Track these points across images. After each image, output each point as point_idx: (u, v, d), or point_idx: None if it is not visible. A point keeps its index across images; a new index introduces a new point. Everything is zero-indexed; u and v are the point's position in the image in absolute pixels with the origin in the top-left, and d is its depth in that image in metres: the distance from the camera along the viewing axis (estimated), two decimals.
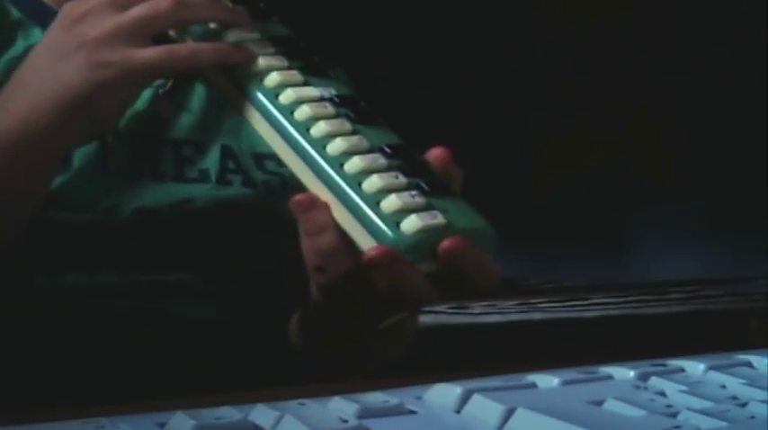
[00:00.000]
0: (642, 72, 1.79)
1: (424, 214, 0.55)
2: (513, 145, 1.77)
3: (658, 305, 1.63)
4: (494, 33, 1.75)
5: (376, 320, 0.66)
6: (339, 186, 0.58)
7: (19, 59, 0.75)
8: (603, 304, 1.61)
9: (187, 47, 0.64)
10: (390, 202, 0.56)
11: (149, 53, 0.63)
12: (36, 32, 0.78)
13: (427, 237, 0.55)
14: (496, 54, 1.75)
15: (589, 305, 1.61)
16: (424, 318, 1.59)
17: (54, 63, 0.63)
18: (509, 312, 1.55)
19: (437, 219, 0.55)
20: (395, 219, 0.56)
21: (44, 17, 0.78)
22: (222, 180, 0.80)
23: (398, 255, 0.54)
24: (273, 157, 0.81)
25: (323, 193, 0.59)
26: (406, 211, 0.56)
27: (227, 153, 0.81)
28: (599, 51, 1.78)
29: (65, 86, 0.62)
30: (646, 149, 1.81)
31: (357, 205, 0.57)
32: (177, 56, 0.63)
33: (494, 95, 1.75)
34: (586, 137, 1.78)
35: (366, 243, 0.56)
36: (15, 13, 0.79)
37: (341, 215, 0.58)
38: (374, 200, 0.56)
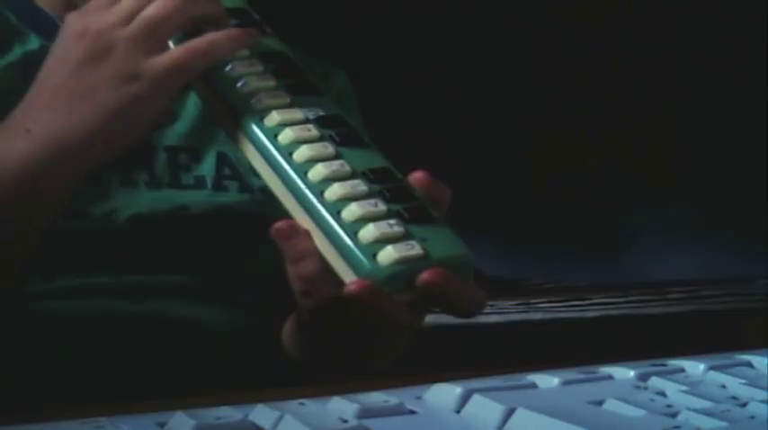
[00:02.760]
0: (642, 72, 1.79)
1: (400, 245, 0.55)
2: (513, 145, 1.76)
3: (658, 305, 1.63)
4: (494, 31, 1.75)
5: (362, 341, 0.66)
6: (319, 214, 0.57)
7: (14, 66, 0.74)
8: (603, 304, 1.61)
9: (204, 40, 0.63)
10: (368, 232, 0.55)
11: (169, 57, 0.62)
12: (32, 39, 0.77)
13: (404, 269, 0.54)
14: (497, 52, 1.75)
15: (589, 305, 1.60)
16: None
17: (78, 82, 0.61)
18: (509, 312, 1.55)
19: (414, 249, 0.55)
20: (372, 250, 0.55)
21: (41, 24, 0.78)
22: (218, 186, 0.79)
23: (376, 289, 0.54)
24: None
25: (304, 220, 0.58)
26: (383, 242, 0.55)
27: (222, 160, 0.81)
28: (599, 50, 1.78)
29: (97, 105, 0.61)
30: (646, 149, 1.81)
31: (336, 234, 0.56)
32: (198, 51, 0.62)
33: (494, 95, 1.75)
34: (586, 136, 1.78)
35: (344, 272, 0.56)
36: (12, 19, 0.78)
37: (321, 243, 0.57)
38: (352, 229, 0.56)
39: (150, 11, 0.62)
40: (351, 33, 1.57)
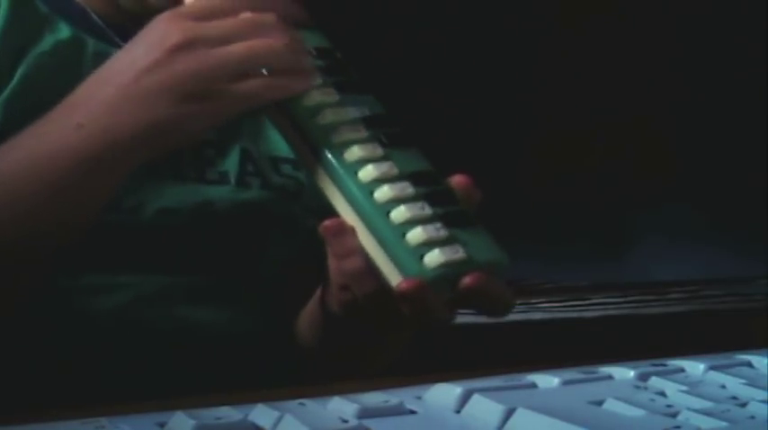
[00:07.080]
0: (643, 71, 1.79)
1: (446, 248, 0.57)
2: (513, 144, 1.76)
3: (658, 305, 1.63)
4: (495, 31, 1.75)
5: (389, 332, 0.70)
6: (368, 214, 0.59)
7: (47, 55, 0.74)
8: (603, 304, 1.61)
9: (281, 78, 0.62)
10: (416, 235, 0.57)
11: (248, 86, 0.61)
12: (62, 27, 0.77)
13: (448, 272, 0.57)
14: (497, 52, 1.75)
15: (589, 305, 1.61)
16: None
17: (145, 87, 0.61)
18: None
19: (458, 254, 0.57)
20: (419, 251, 0.57)
21: (70, 11, 0.78)
22: (241, 182, 0.79)
23: (427, 288, 0.56)
24: (290, 161, 0.82)
25: (351, 218, 0.59)
26: (430, 245, 0.57)
27: (246, 156, 0.81)
28: (599, 50, 1.78)
29: (153, 116, 0.61)
30: (646, 149, 1.81)
31: (383, 234, 0.58)
32: (278, 88, 0.62)
33: (494, 95, 1.75)
34: (587, 136, 1.78)
35: (390, 272, 0.58)
36: (41, 7, 0.78)
37: (367, 241, 0.59)
38: (400, 231, 0.57)
39: (261, 46, 0.61)
40: (348, 32, 1.57)
